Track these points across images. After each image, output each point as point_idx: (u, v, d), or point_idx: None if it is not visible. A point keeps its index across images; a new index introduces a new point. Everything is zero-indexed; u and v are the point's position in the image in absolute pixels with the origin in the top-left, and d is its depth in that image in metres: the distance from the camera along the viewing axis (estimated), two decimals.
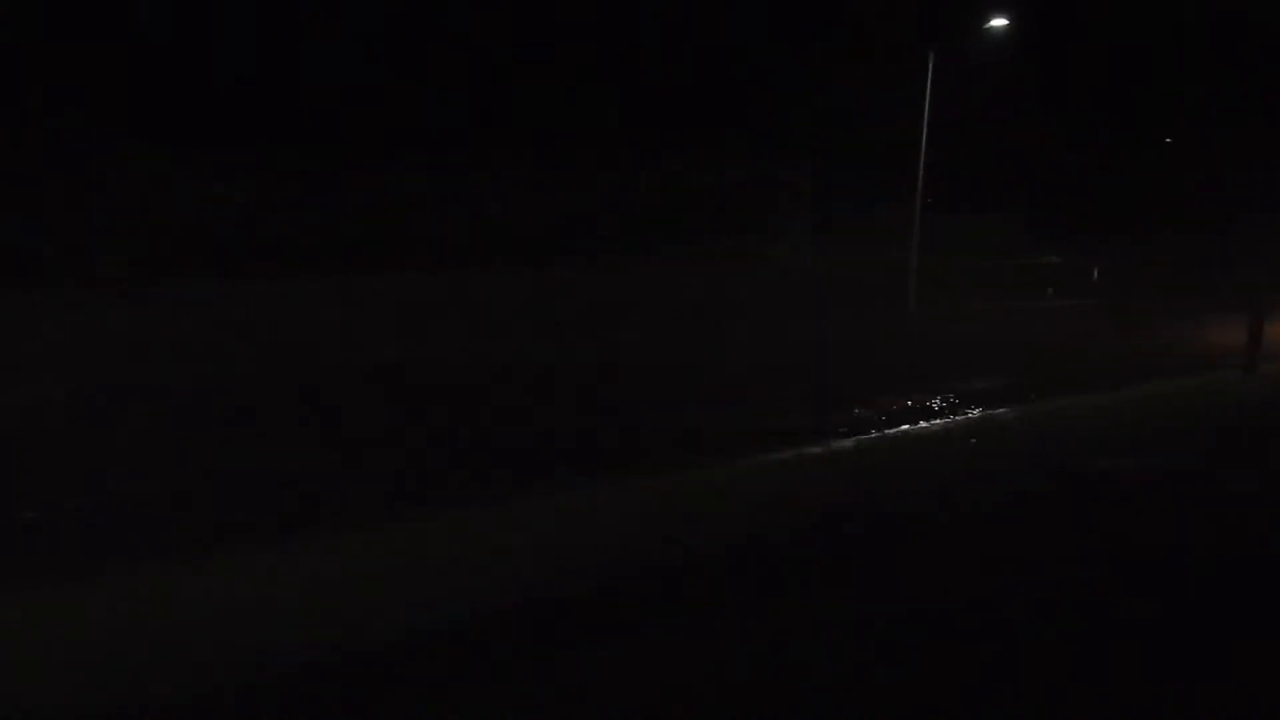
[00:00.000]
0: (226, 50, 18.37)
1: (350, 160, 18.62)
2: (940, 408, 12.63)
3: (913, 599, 5.36)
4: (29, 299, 14.06)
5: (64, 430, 10.78)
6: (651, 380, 14.54)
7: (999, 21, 24.29)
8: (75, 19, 17.03)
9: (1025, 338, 20.76)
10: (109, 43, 17.16)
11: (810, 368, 15.96)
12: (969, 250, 25.39)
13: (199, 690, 4.19)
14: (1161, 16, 30.79)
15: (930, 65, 23.57)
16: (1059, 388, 13.56)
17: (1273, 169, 29.38)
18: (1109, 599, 5.39)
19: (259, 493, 8.36)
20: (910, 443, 10.31)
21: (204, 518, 7.62)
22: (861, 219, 24.94)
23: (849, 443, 9.81)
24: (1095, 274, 26.96)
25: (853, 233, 25.20)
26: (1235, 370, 15.28)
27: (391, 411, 12.00)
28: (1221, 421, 11.49)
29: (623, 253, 21.94)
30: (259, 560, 5.84)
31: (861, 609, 5.22)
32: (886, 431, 10.83)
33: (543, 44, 21.91)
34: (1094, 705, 4.28)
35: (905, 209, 24.22)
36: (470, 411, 12.08)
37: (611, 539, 6.45)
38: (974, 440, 10.10)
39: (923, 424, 11.48)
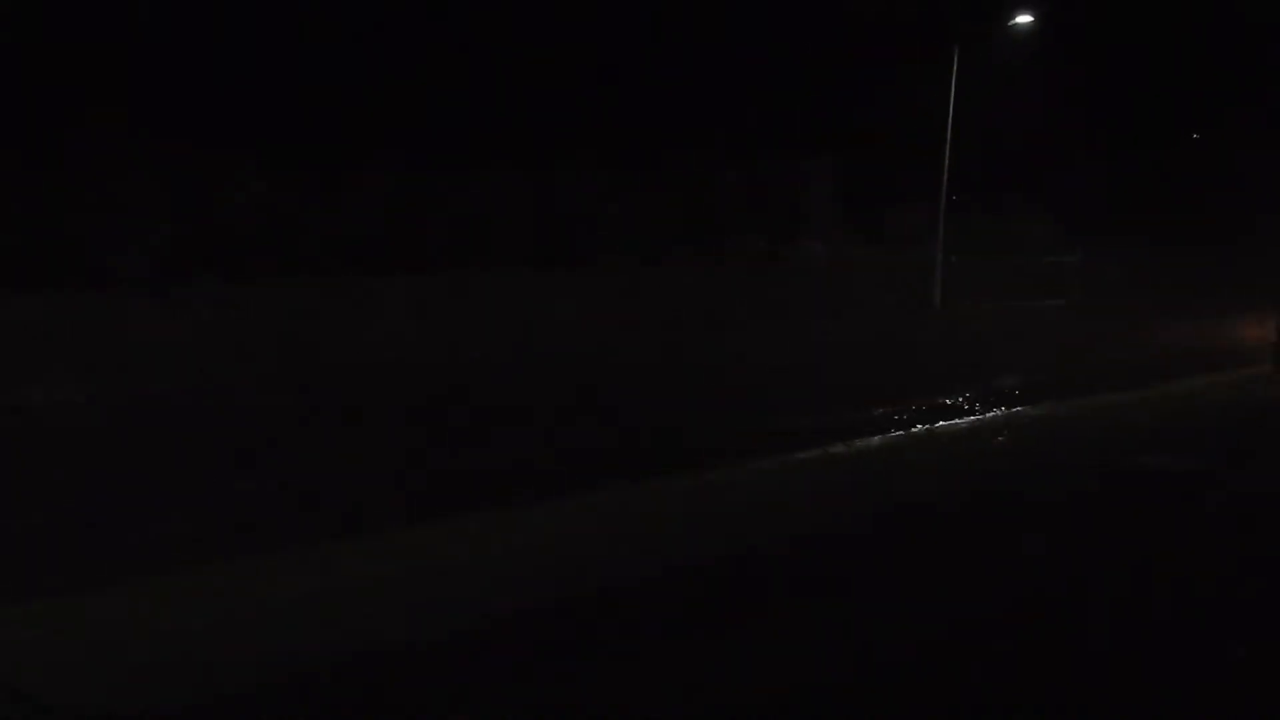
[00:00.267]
0: (248, 47, 18.33)
1: (380, 161, 18.61)
2: (979, 404, 12.60)
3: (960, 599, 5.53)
4: (47, 300, 13.47)
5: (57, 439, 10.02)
6: (679, 381, 14.33)
7: (1024, 18, 24.26)
8: (98, 18, 17.03)
9: (1053, 335, 20.74)
10: (132, 42, 17.17)
11: (829, 367, 15.82)
12: (994, 249, 25.37)
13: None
14: (1184, 14, 30.66)
15: (955, 62, 23.56)
16: (1092, 384, 13.54)
17: None
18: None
19: (370, 487, 8.03)
20: (963, 437, 10.57)
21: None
22: (888, 218, 25.06)
23: (886, 439, 9.97)
24: (1121, 272, 26.88)
25: (876, 231, 25.27)
26: (1265, 366, 15.51)
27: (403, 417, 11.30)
28: (1262, 416, 11.62)
29: (644, 251, 21.90)
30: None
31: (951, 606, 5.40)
32: (935, 425, 10.95)
33: (570, 41, 21.94)
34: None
35: (930, 207, 24.22)
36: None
37: (673, 534, 6.61)
38: (1032, 435, 10.30)
39: (970, 418, 11.62)
